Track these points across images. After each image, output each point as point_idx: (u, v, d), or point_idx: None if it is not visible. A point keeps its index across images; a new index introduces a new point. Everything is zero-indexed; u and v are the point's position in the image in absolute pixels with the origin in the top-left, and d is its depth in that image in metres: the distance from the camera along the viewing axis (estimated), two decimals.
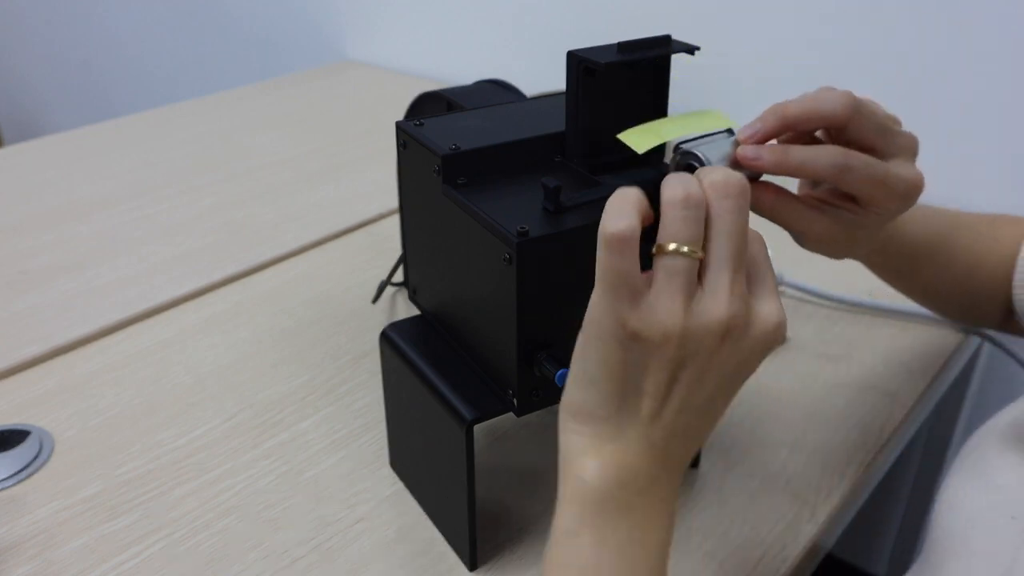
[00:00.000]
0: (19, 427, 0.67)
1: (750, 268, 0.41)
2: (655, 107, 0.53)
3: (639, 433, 0.40)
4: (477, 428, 0.51)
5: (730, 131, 0.49)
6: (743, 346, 0.39)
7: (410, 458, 0.61)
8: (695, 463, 0.64)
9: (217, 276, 0.87)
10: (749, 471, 0.64)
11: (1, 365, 0.74)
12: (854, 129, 0.49)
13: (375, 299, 0.83)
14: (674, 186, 0.39)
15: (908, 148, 0.51)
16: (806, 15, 1.04)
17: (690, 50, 0.50)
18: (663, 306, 0.38)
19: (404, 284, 0.65)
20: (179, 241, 0.94)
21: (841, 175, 0.48)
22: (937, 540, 0.51)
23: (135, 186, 1.08)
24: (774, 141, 0.50)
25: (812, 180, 0.54)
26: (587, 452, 0.40)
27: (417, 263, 0.59)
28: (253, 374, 0.74)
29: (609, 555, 0.39)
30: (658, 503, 0.41)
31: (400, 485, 0.62)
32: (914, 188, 0.50)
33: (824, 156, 0.48)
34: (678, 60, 0.52)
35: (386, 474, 0.64)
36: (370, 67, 1.54)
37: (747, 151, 0.48)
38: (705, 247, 0.39)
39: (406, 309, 0.82)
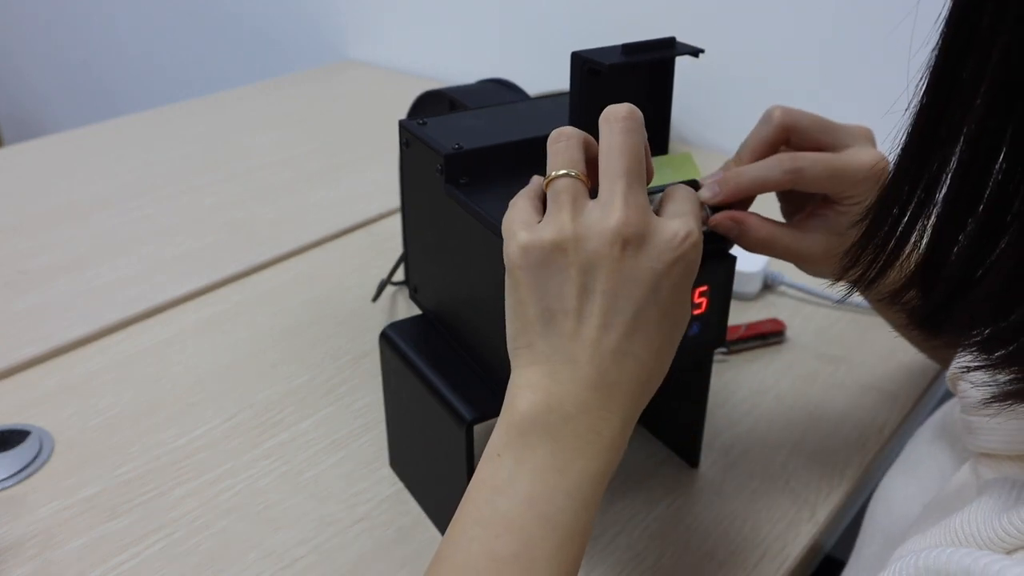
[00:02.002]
0: (19, 427, 0.67)
1: (667, 195, 0.42)
2: (659, 109, 0.53)
3: (565, 355, 0.40)
4: (477, 428, 0.51)
5: (694, 183, 0.51)
6: (649, 255, 0.40)
7: (410, 458, 0.61)
8: (695, 463, 0.64)
9: (217, 276, 0.87)
10: (749, 471, 0.64)
11: (1, 365, 0.74)
12: (800, 132, 0.51)
13: (375, 298, 0.83)
14: (551, 134, 0.43)
15: (861, 136, 0.52)
16: (806, 15, 1.04)
17: (695, 52, 0.50)
18: (552, 219, 0.40)
19: (405, 283, 0.65)
20: (179, 241, 0.94)
21: (797, 176, 0.49)
22: (866, 531, 0.52)
23: (135, 186, 1.08)
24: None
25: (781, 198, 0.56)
26: (521, 383, 0.41)
27: (418, 262, 0.59)
28: (253, 374, 0.74)
29: (524, 476, 0.40)
30: (587, 434, 0.40)
31: (400, 485, 0.62)
32: (876, 168, 0.51)
33: (774, 164, 0.50)
34: (681, 61, 0.52)
35: (386, 474, 0.64)
36: (370, 67, 1.54)
37: (703, 192, 0.50)
38: (599, 170, 0.41)
39: (406, 309, 0.82)
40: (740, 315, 0.80)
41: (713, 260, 0.48)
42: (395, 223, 0.96)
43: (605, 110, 0.42)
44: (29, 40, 2.22)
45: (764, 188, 0.50)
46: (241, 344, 0.78)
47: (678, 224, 0.41)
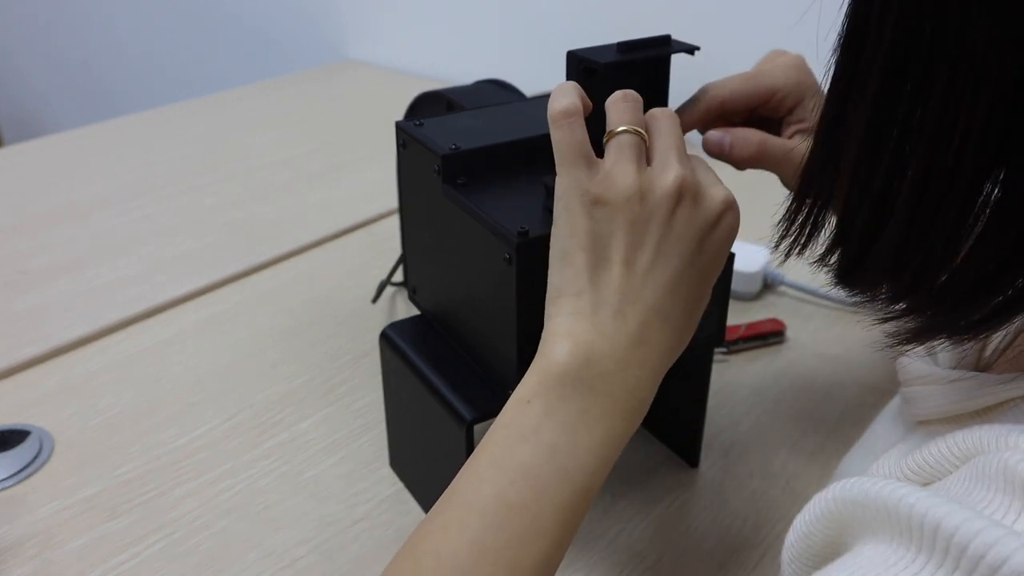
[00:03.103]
0: (19, 427, 0.67)
1: (694, 167, 0.44)
2: (655, 107, 0.53)
3: (613, 309, 0.40)
4: (477, 428, 0.51)
5: None
6: (697, 215, 0.42)
7: (410, 458, 0.61)
8: (695, 463, 0.64)
9: (217, 276, 0.87)
10: (749, 471, 0.64)
11: (1, 365, 0.74)
12: (733, 100, 0.57)
13: (375, 299, 0.83)
14: (614, 93, 0.45)
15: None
16: (806, 15, 1.04)
17: (690, 50, 0.50)
18: (619, 170, 0.41)
19: (404, 284, 0.65)
20: (179, 241, 0.94)
21: (719, 86, 0.55)
22: None
23: (135, 186, 1.08)
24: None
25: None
26: (562, 332, 0.41)
27: (417, 263, 0.59)
28: (253, 374, 0.74)
29: (551, 427, 0.39)
30: (620, 393, 0.40)
31: (400, 485, 0.62)
32: (793, 57, 0.59)
33: (696, 91, 0.56)
34: (678, 60, 0.52)
35: (386, 474, 0.64)
36: (370, 67, 1.54)
37: None
38: (650, 140, 0.43)
39: (406, 309, 0.82)
40: (740, 315, 0.80)
41: None
42: (395, 223, 0.96)
43: (654, 110, 0.45)
44: (29, 40, 2.22)
45: (697, 112, 0.55)
46: (241, 344, 0.78)
47: (722, 191, 0.43)
